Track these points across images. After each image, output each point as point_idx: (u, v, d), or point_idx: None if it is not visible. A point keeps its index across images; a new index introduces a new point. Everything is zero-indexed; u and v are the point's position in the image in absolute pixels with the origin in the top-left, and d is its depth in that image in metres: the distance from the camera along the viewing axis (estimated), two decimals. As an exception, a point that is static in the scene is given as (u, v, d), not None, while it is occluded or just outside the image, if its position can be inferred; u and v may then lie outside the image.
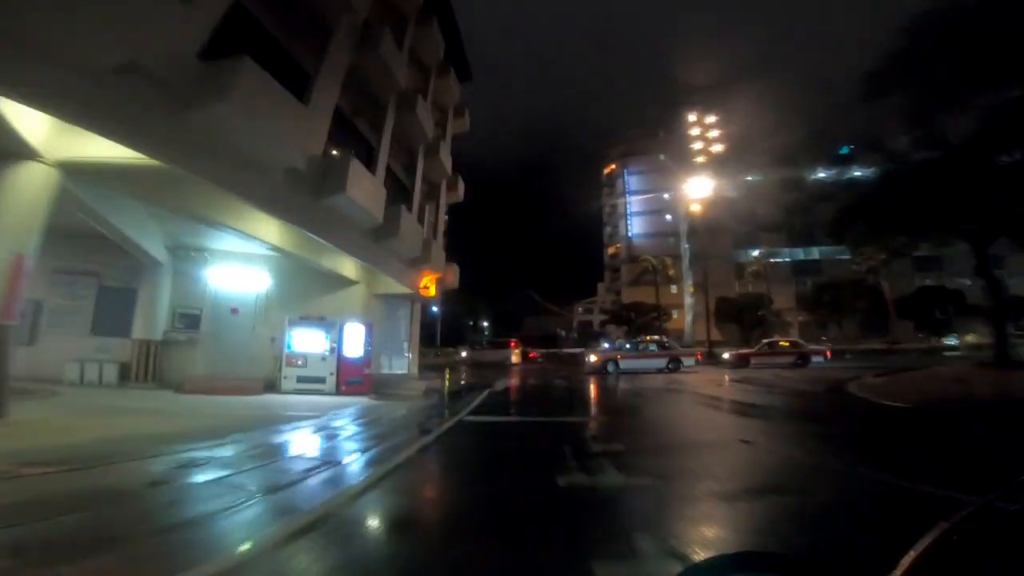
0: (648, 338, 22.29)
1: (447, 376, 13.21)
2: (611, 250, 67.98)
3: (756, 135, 54.06)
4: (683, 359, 19.99)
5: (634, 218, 64.82)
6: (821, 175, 58.27)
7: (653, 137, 66.39)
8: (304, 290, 12.69)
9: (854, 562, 2.50)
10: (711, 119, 63.04)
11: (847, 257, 56.35)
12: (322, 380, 11.54)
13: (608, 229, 69.81)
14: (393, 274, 13.11)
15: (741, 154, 53.33)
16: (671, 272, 46.72)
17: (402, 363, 15.48)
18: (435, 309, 58.73)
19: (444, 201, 17.67)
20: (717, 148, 59.98)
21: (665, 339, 22.00)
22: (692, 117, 64.39)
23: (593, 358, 19.23)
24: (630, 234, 64.10)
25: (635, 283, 58.53)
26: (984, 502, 0.93)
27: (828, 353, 24.49)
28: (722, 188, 52.42)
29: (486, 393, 12.10)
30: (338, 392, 11.52)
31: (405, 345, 16.10)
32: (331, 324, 11.90)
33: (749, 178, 53.69)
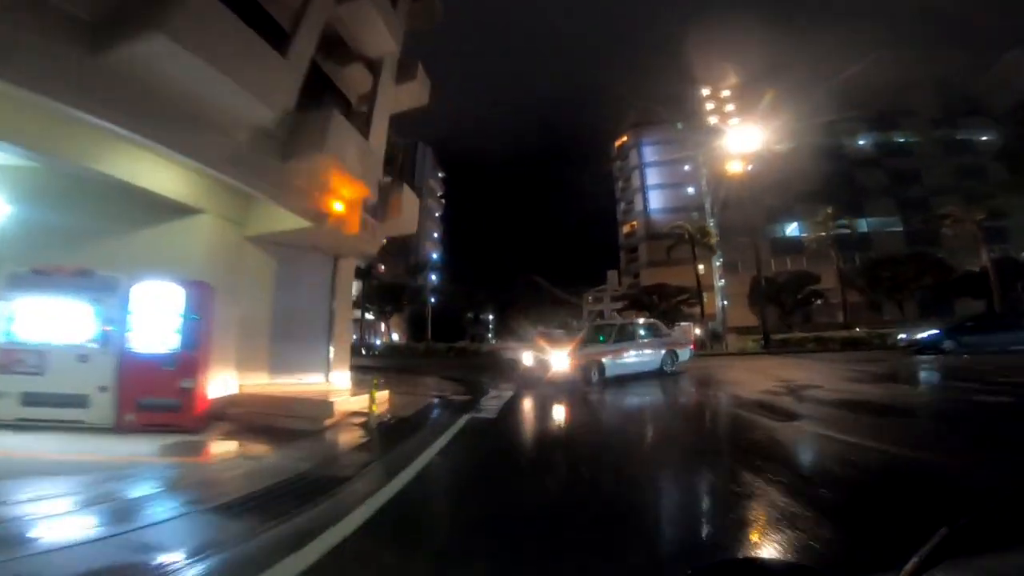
0: (639, 319, 14.78)
1: (373, 394, 6.80)
2: (626, 228, 61.60)
3: (788, 98, 47.57)
4: (679, 350, 13.50)
5: (652, 192, 58.30)
6: (863, 141, 51.51)
7: (669, 104, 59.75)
8: (86, 227, 6.74)
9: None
10: (735, 80, 56.06)
11: (899, 228, 50.01)
12: (80, 402, 5.70)
13: (622, 206, 63.40)
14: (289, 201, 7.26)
15: (770, 120, 46.65)
16: (712, 240, 40.05)
17: (318, 365, 9.37)
18: (368, 272, 52.95)
19: (388, 92, 10.70)
20: (742, 113, 53.09)
21: (654, 321, 15.04)
22: (715, 78, 57.51)
23: (559, 360, 11.25)
24: (648, 210, 57.58)
25: (654, 264, 52.28)
26: (987, 509, 0.95)
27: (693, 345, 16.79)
28: (752, 156, 46.20)
29: (454, 431, 6.38)
30: (119, 427, 5.71)
31: (325, 336, 9.50)
32: (106, 286, 5.95)
33: (780, 147, 47.21)
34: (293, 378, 8.56)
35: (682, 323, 45.27)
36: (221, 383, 7.32)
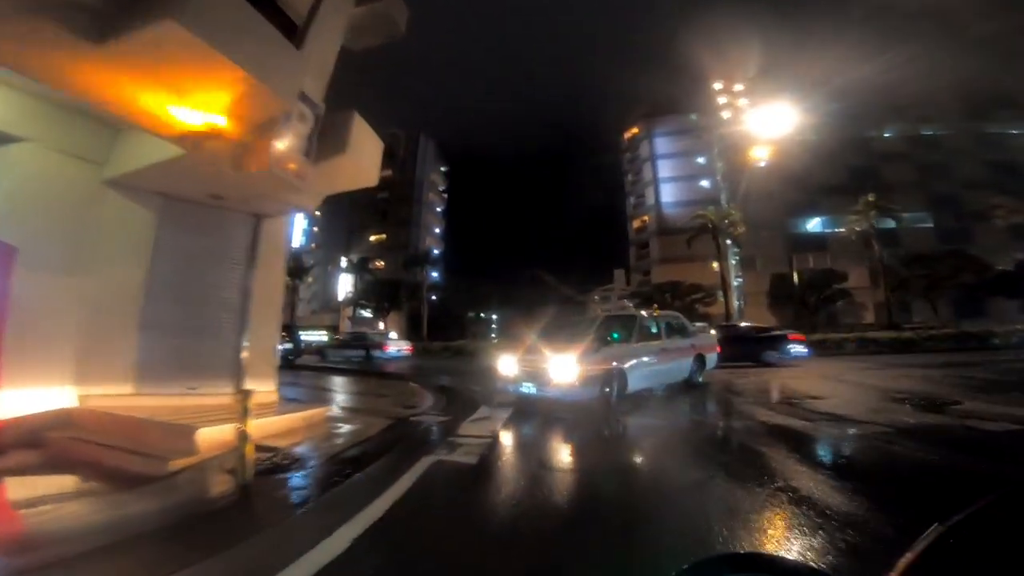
0: (662, 312, 10.52)
1: (247, 424, 4.22)
2: (636, 224, 58.65)
3: (809, 89, 44.74)
4: (707, 354, 10.53)
5: (664, 185, 55.41)
6: (889, 134, 48.51)
7: (683, 94, 56.90)
8: None
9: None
10: (754, 69, 53.02)
11: (930, 225, 46.94)
12: None
13: (632, 200, 60.45)
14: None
15: (791, 111, 43.74)
16: (739, 230, 37.21)
17: (223, 369, 6.53)
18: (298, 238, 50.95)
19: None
20: (761, 104, 50.17)
21: (678, 315, 10.65)
22: (732, 67, 54.57)
23: (564, 368, 7.29)
24: (660, 203, 54.71)
25: (666, 260, 49.56)
26: (981, 505, 0.96)
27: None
28: (772, 148, 43.53)
29: (395, 495, 3.65)
30: None
31: (235, 328, 6.73)
32: None
33: (801, 139, 44.45)
34: (179, 387, 6.01)
35: (697, 324, 42.77)
36: (42, 393, 4.86)
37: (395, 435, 5.98)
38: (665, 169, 55.88)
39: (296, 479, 4.20)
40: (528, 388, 7.64)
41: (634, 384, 7.91)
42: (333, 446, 5.39)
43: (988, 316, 36.53)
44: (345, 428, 6.34)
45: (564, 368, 7.04)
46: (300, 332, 30.16)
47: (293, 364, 19.31)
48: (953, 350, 20.99)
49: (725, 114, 53.89)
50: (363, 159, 7.07)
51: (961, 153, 48.04)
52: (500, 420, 6.67)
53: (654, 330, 9.04)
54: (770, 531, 2.79)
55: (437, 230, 71.87)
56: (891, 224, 40.69)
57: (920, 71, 46.31)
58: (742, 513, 2.97)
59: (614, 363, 7.59)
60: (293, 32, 6.33)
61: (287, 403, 7.35)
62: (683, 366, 9.46)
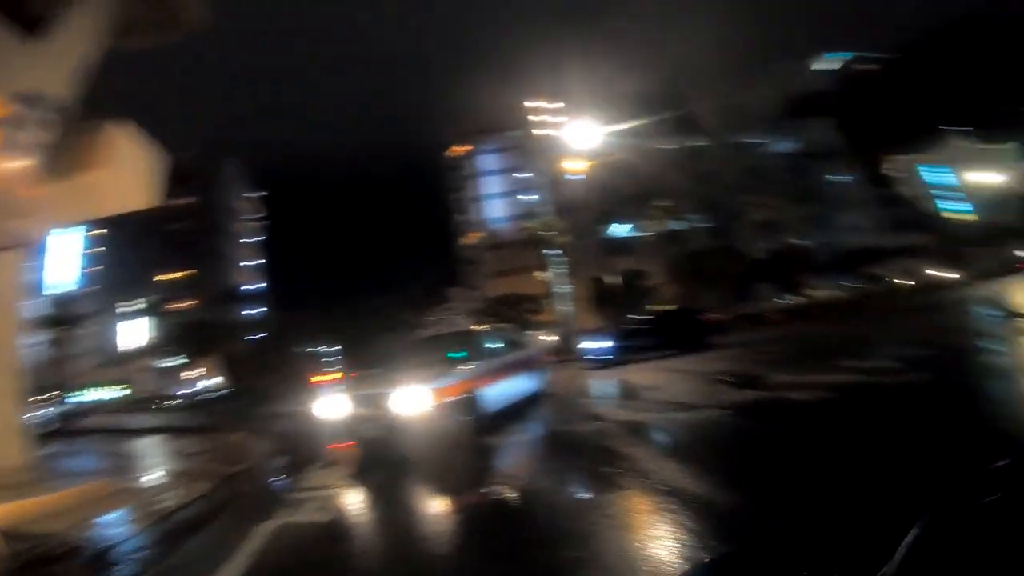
0: (492, 326, 10.13)
1: None
2: (467, 240, 59.98)
3: (613, 107, 50.81)
4: (544, 366, 9.98)
5: (491, 201, 57.68)
6: (672, 145, 57.21)
7: (505, 113, 60.10)
8: None
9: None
10: (568, 87, 58.43)
11: (711, 224, 56.33)
12: None
13: (460, 217, 61.76)
14: None
15: (599, 127, 49.29)
16: (563, 237, 39.74)
17: None
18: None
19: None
20: (574, 120, 55.55)
21: (510, 327, 11.31)
22: (548, 87, 59.45)
23: (410, 400, 6.05)
24: (488, 219, 56.74)
25: (498, 274, 51.38)
26: (963, 493, 0.94)
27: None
28: (585, 161, 48.15)
29: None
30: None
31: None
32: None
33: (607, 151, 50.08)
34: None
35: (532, 332, 45.19)
36: None
37: (221, 499, 4.85)
38: (491, 185, 58.24)
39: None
40: (368, 428, 6.25)
41: (489, 405, 7.10)
42: (136, 522, 4.13)
43: (754, 298, 45.08)
44: (153, 498, 4.98)
45: (411, 399, 5.91)
46: (83, 390, 24.46)
47: (68, 430, 15.53)
48: (739, 330, 25.25)
49: (546, 130, 58.32)
50: (131, 176, 5.69)
51: (723, 160, 58.84)
52: (348, 465, 5.91)
53: (496, 345, 8.41)
54: (642, 521, 2.88)
55: (253, 262, 64.71)
56: (679, 226, 47.90)
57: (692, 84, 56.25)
58: (623, 516, 2.91)
59: (466, 385, 6.67)
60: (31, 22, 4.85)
61: (62, 478, 5.65)
62: (528, 379, 8.86)
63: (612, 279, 43.05)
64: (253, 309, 54.91)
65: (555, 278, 51.03)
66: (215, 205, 58.09)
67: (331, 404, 6.80)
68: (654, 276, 47.52)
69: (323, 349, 53.50)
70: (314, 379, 18.67)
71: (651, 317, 17.78)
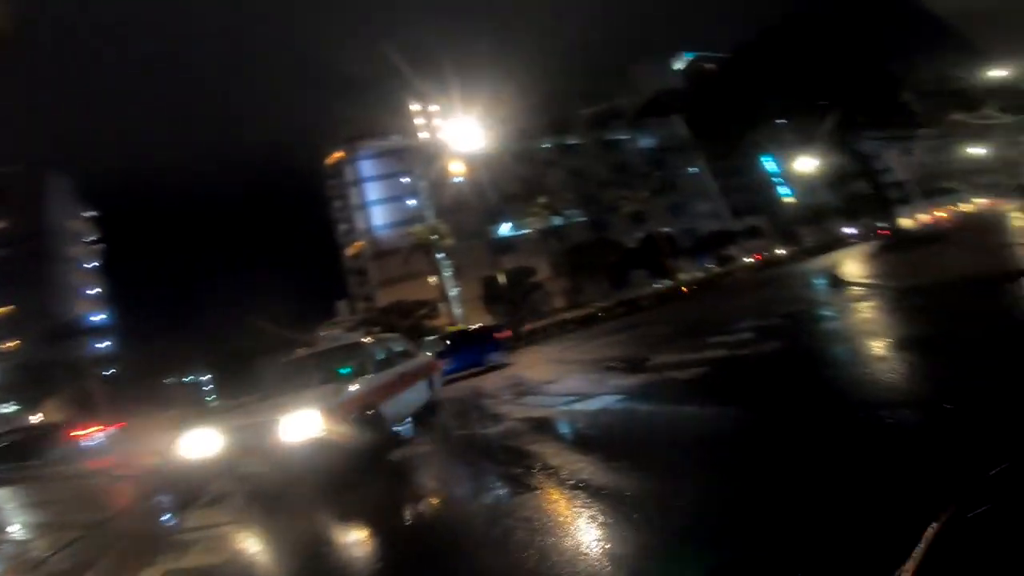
0: (377, 336, 9.91)
1: None
2: (351, 250, 57.44)
3: (490, 108, 51.67)
4: (435, 375, 9.46)
5: (373, 208, 55.71)
6: (547, 144, 59.67)
7: (383, 116, 58.38)
8: None
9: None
10: (446, 90, 58.06)
11: (584, 219, 59.51)
12: None
13: (343, 227, 58.98)
14: None
15: (478, 128, 49.96)
16: (447, 241, 39.25)
17: None
18: None
19: None
20: (453, 123, 55.52)
21: (398, 336, 10.31)
22: (427, 89, 58.62)
23: (301, 425, 5.04)
24: (372, 227, 54.78)
25: (387, 283, 49.91)
26: (964, 504, 0.98)
27: None
28: (465, 163, 48.51)
29: None
30: None
31: None
32: None
33: (488, 152, 50.83)
34: None
35: (428, 338, 44.56)
36: None
37: (95, 546, 4.21)
38: (373, 192, 56.23)
39: None
40: (251, 463, 5.30)
41: (387, 420, 6.47)
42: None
43: (631, 285, 48.63)
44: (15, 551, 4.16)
45: (300, 424, 5.02)
46: None
47: None
48: (620, 315, 27.16)
49: (424, 133, 57.57)
50: None
51: (593, 157, 62.54)
52: (235, 503, 5.40)
53: (386, 356, 7.68)
54: (558, 520, 2.96)
55: (93, 291, 56.20)
56: (559, 222, 50.15)
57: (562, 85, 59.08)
58: (539, 517, 3.02)
59: (360, 401, 5.94)
60: None
61: None
62: (422, 389, 8.29)
63: (500, 278, 43.92)
64: (104, 342, 47.93)
65: (445, 281, 50.90)
66: (43, 227, 49.51)
67: (199, 441, 5.67)
68: (540, 272, 49.25)
69: (197, 378, 48.34)
70: (74, 433, 14.38)
71: (448, 338, 17.76)
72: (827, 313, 8.84)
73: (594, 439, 4.56)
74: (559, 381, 8.98)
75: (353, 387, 6.09)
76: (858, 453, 2.75)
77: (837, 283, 12.48)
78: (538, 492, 3.43)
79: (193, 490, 5.98)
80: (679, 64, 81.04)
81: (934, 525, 0.93)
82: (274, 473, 5.21)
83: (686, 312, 17.42)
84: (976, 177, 62.37)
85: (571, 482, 3.43)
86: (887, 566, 0.84)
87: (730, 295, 19.86)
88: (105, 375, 41.38)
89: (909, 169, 62.75)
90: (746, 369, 5.99)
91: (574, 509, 3.00)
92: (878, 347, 5.38)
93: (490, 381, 12.68)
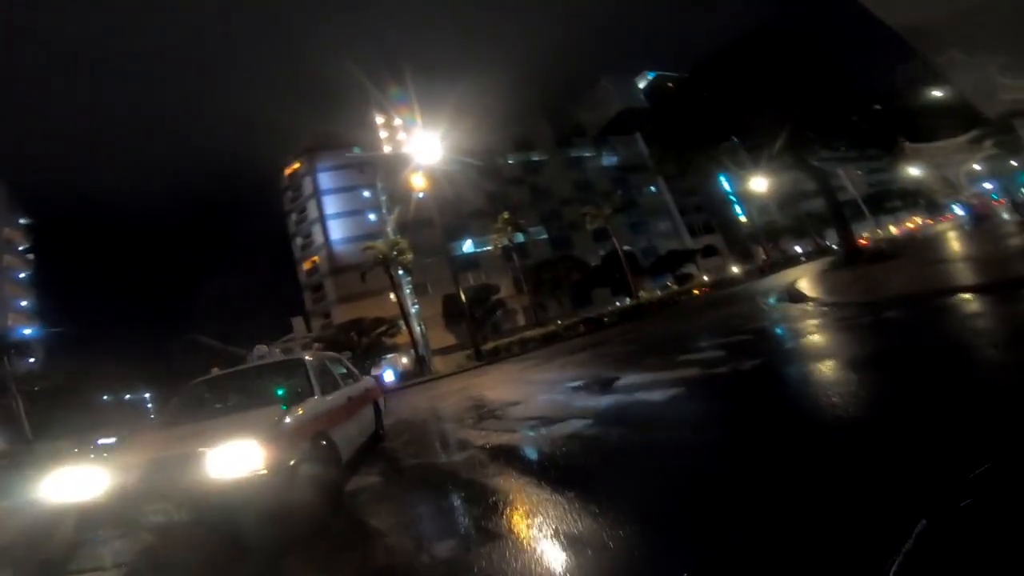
0: (317, 353, 7.64)
1: None
2: (307, 265, 55.57)
3: (454, 125, 51.48)
4: (380, 399, 8.30)
5: (332, 221, 54.21)
6: (511, 161, 59.80)
7: (345, 129, 57.32)
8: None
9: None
10: (410, 105, 57.52)
11: (546, 236, 59.72)
12: None
13: (299, 241, 57.09)
14: None
15: (442, 144, 49.67)
16: (408, 258, 38.16)
17: None
18: None
19: None
20: (417, 137, 55.01)
21: (338, 356, 8.04)
22: (391, 103, 58.02)
23: (235, 463, 3.79)
24: (330, 241, 53.23)
25: (345, 299, 48.41)
26: (971, 493, 1.05)
27: None
28: (429, 179, 48.04)
29: None
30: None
31: None
32: None
33: (452, 167, 50.43)
34: None
35: (387, 355, 43.25)
36: None
37: None
38: (332, 205, 54.76)
39: None
40: (161, 512, 3.85)
41: (343, 452, 5.38)
42: None
43: (593, 303, 48.79)
44: None
45: (238, 458, 3.82)
46: None
47: None
48: (583, 334, 26.95)
49: (388, 147, 56.72)
50: None
51: (557, 174, 63.13)
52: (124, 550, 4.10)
53: (333, 377, 6.54)
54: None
55: (24, 303, 52.26)
56: (522, 239, 50.00)
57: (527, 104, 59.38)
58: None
59: (314, 429, 4.81)
60: None
61: None
62: (369, 415, 7.16)
63: (462, 296, 43.36)
64: (32, 358, 44.37)
65: (406, 299, 49.81)
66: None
67: (75, 481, 4.09)
68: (503, 290, 48.89)
69: (139, 396, 45.44)
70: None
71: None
72: (792, 330, 8.73)
73: (566, 472, 4.07)
74: (523, 402, 8.48)
75: (301, 410, 4.86)
76: (869, 486, 2.38)
77: (798, 300, 12.56)
78: (505, 542, 2.92)
79: (61, 548, 4.30)
80: (643, 83, 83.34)
81: (923, 521, 0.95)
82: (194, 523, 3.87)
83: (650, 330, 17.27)
84: (918, 197, 66.37)
85: (547, 528, 2.94)
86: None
87: (692, 313, 19.90)
88: (34, 391, 38.12)
89: (862, 187, 66.12)
90: (722, 389, 5.66)
91: (550, 564, 2.51)
92: (849, 364, 5.16)
93: (449, 402, 12.06)
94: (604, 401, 6.47)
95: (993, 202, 43.54)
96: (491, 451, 5.51)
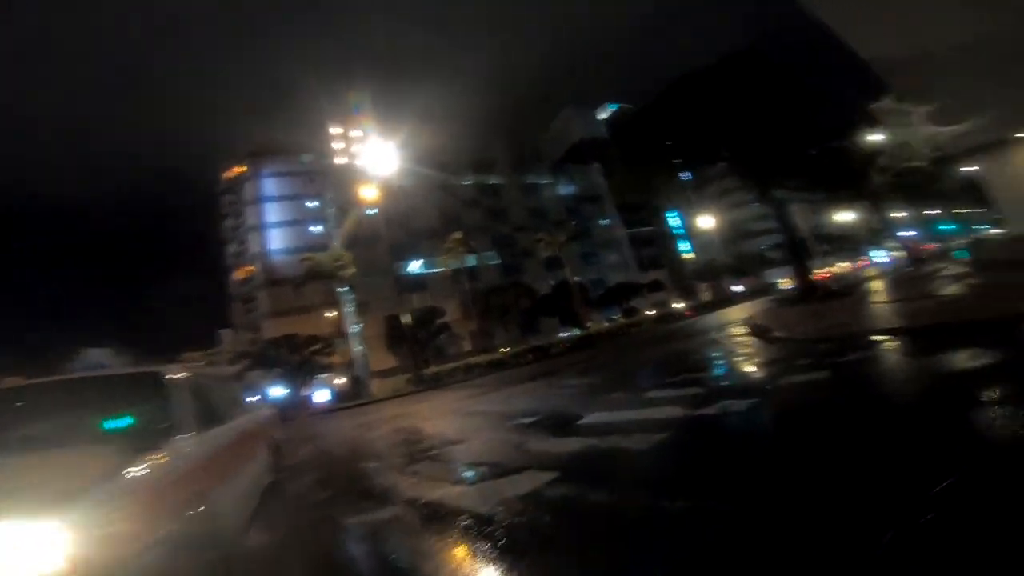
0: (183, 367, 3.71)
1: None
2: (240, 274, 51.73)
3: (410, 141, 50.26)
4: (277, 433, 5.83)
5: (272, 230, 50.85)
6: (467, 183, 58.89)
7: (297, 137, 54.66)
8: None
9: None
10: (364, 118, 55.54)
11: (497, 262, 58.64)
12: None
13: (234, 248, 53.24)
14: None
15: (396, 160, 48.14)
16: (350, 271, 35.72)
17: None
18: None
19: None
20: (370, 151, 53.12)
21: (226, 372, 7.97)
22: (346, 116, 55.84)
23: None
24: (268, 251, 49.82)
25: (279, 313, 45.19)
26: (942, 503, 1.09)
27: None
28: (380, 194, 46.37)
29: None
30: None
31: None
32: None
33: (406, 184, 48.86)
34: None
35: (322, 375, 40.32)
36: None
37: None
38: (274, 213, 51.39)
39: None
40: None
41: (229, 527, 3.23)
42: None
43: (541, 331, 47.87)
44: None
45: (18, 559, 1.69)
46: None
47: None
48: (531, 362, 25.75)
49: (338, 159, 54.26)
50: None
51: (512, 200, 62.61)
52: None
53: (217, 404, 4.19)
54: None
55: None
56: (473, 262, 48.72)
57: (488, 127, 58.78)
58: None
59: (176, 495, 2.55)
60: None
61: None
62: (264, 460, 4.86)
63: (406, 317, 41.34)
64: None
65: (347, 317, 47.05)
66: None
67: None
68: (449, 313, 47.20)
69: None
70: None
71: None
72: (766, 365, 7.84)
73: (526, 555, 2.79)
74: (467, 440, 7.11)
75: (160, 457, 2.65)
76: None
77: (762, 335, 11.91)
78: None
79: None
80: (604, 114, 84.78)
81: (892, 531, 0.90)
82: None
83: (605, 361, 16.25)
84: (848, 241, 70.39)
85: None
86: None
87: (646, 346, 19.13)
88: None
89: (807, 226, 69.43)
90: (720, 435, 4.55)
91: None
92: (856, 406, 4.18)
93: (380, 432, 10.48)
94: (568, 446, 5.22)
95: (925, 246, 47.01)
96: (423, 510, 4.15)
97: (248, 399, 5.95)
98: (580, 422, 6.34)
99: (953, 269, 19.17)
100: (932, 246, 47.07)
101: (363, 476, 6.32)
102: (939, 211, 46.14)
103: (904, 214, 42.66)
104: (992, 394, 3.82)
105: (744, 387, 6.43)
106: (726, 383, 7.12)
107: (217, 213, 57.61)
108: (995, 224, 42.33)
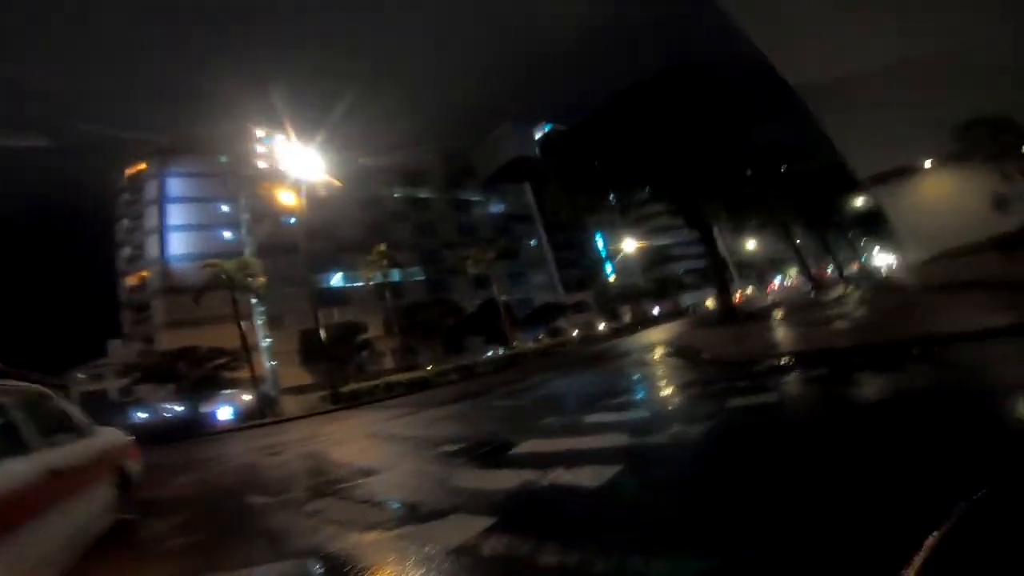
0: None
1: None
2: (133, 280, 46.58)
3: (336, 149, 48.01)
4: (131, 461, 5.24)
5: (174, 234, 46.38)
6: (396, 195, 57.41)
7: (210, 135, 50.44)
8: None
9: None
10: (288, 122, 52.43)
11: (423, 278, 57.18)
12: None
13: (128, 251, 47.98)
14: None
15: (321, 166, 45.72)
16: (259, 280, 32.83)
17: None
18: None
19: None
20: (292, 156, 50.16)
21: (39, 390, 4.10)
22: (268, 120, 52.40)
23: None
24: (167, 256, 45.31)
25: (177, 324, 41.00)
26: (982, 500, 1.03)
27: None
28: (301, 199, 43.80)
29: None
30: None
31: None
32: None
33: (329, 192, 46.47)
34: None
35: (227, 391, 36.67)
36: None
37: None
38: (178, 215, 46.95)
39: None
40: None
41: None
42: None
43: (467, 350, 46.90)
44: None
45: None
46: None
47: None
48: (456, 382, 24.77)
49: (261, 162, 50.66)
50: None
51: (442, 215, 61.62)
52: None
53: (23, 430, 3.20)
54: None
55: None
56: (397, 278, 46.99)
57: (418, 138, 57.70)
58: None
59: None
60: None
61: None
62: (101, 498, 4.01)
63: (324, 332, 38.83)
64: None
65: (257, 330, 43.54)
66: None
67: None
68: (371, 329, 45.20)
69: None
70: None
71: None
72: (702, 385, 7.58)
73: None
74: (383, 472, 6.15)
75: None
76: None
77: (688, 356, 11.88)
78: None
79: None
80: (539, 133, 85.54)
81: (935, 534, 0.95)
82: None
83: (534, 382, 15.60)
84: (756, 267, 75.83)
85: None
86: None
87: (574, 366, 18.81)
88: None
89: (726, 251, 73.76)
90: (680, 468, 3.99)
91: None
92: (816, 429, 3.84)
93: (282, 457, 9.20)
94: (503, 481, 4.45)
95: (828, 273, 51.56)
96: (326, 561, 3.23)
97: (81, 421, 4.65)
98: (513, 451, 5.63)
99: (853, 294, 20.67)
100: (831, 273, 51.71)
101: (249, 515, 5.20)
102: (843, 238, 51.05)
103: (809, 241, 46.53)
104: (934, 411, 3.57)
105: (690, 412, 6.03)
106: (669, 407, 6.73)
107: (112, 214, 51.84)
108: (895, 250, 47.36)
